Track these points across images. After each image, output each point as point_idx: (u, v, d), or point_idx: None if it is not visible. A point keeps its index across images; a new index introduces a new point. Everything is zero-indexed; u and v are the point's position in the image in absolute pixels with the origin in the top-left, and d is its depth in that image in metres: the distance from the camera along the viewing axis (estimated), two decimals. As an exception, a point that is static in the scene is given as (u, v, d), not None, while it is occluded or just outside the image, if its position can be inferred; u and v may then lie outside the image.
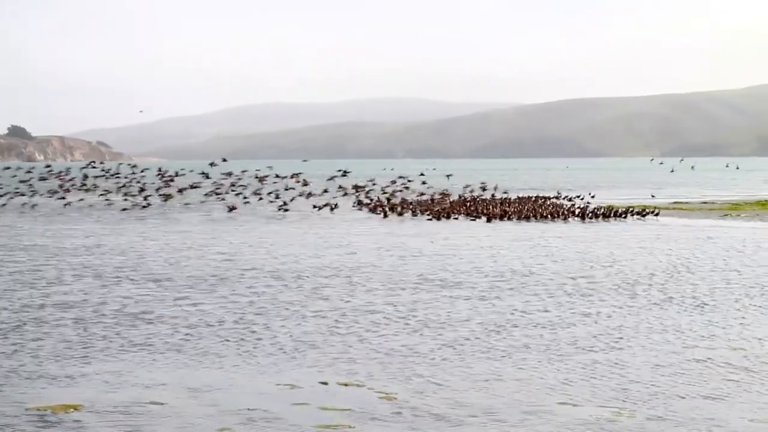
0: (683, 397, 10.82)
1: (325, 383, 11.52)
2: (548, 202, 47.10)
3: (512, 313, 16.21)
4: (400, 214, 42.36)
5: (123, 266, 22.86)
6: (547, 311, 16.42)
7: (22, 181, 58.50)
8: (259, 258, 24.67)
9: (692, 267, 22.49)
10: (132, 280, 20.41)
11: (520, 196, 52.58)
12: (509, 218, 39.24)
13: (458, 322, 15.38)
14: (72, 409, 10.33)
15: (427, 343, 13.74)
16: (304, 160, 55.30)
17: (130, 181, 58.99)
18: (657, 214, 40.88)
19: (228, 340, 13.99)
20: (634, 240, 29.73)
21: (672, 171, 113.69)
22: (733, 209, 46.01)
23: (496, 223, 37.40)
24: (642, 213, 40.64)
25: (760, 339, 14.03)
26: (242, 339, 14.10)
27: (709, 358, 12.75)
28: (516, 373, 12.01)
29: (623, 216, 39.92)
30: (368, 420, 9.93)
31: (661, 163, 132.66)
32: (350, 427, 9.70)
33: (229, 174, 57.86)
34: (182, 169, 64.05)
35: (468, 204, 45.52)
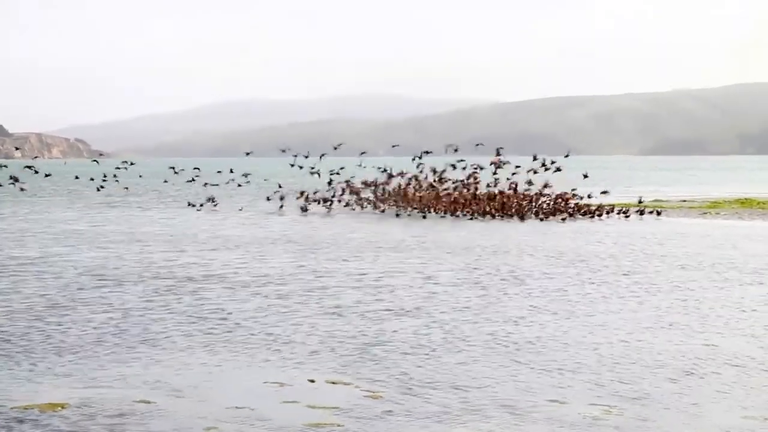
0: (673, 396, 10.84)
1: (312, 381, 11.48)
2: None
3: (499, 311, 16.21)
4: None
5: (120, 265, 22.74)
6: (536, 308, 16.43)
7: None
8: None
9: (681, 264, 22.57)
10: (130, 280, 20.31)
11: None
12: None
13: (445, 321, 15.36)
14: (59, 408, 10.25)
15: (414, 341, 13.71)
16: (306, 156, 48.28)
17: None
18: (642, 213, 41.07)
19: (215, 338, 13.92)
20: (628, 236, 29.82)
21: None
22: (712, 207, 46.19)
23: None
24: (625, 212, 40.66)
25: (753, 336, 14.08)
26: (229, 337, 14.03)
27: (699, 357, 12.79)
28: (504, 371, 12.00)
29: (605, 214, 40.09)
30: (357, 418, 9.90)
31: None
32: (339, 425, 9.67)
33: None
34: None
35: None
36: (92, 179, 49.53)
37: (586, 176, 46.65)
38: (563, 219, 38.62)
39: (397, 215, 40.45)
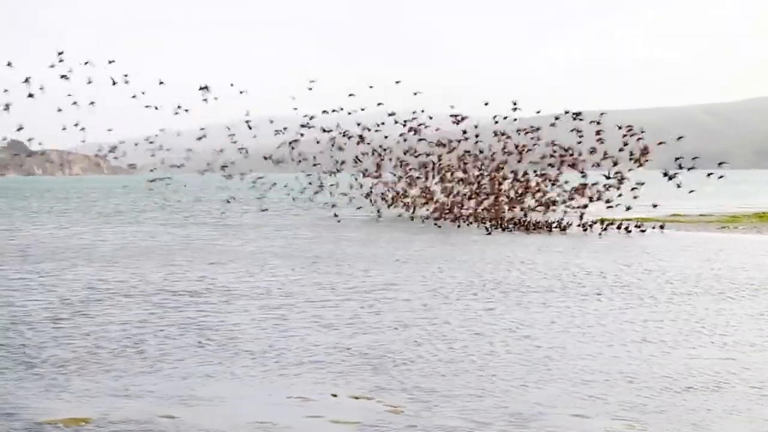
0: (694, 411, 10.82)
1: (335, 395, 11.51)
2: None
3: (515, 323, 16.19)
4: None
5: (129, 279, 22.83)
6: (552, 321, 16.42)
7: None
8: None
9: (696, 278, 22.53)
10: (145, 292, 20.39)
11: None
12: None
13: (465, 334, 15.35)
14: (83, 422, 10.29)
15: (434, 355, 13.71)
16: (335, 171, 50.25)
17: None
18: (662, 227, 40.86)
19: (238, 352, 13.96)
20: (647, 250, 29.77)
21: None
22: (731, 221, 46.04)
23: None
24: (642, 227, 40.51)
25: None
26: (252, 351, 14.06)
27: (716, 371, 12.75)
28: (522, 384, 11.98)
29: (626, 229, 39.99)
30: (380, 433, 9.95)
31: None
32: (364, 440, 9.72)
33: None
34: None
35: None
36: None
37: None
38: (584, 230, 39.17)
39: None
